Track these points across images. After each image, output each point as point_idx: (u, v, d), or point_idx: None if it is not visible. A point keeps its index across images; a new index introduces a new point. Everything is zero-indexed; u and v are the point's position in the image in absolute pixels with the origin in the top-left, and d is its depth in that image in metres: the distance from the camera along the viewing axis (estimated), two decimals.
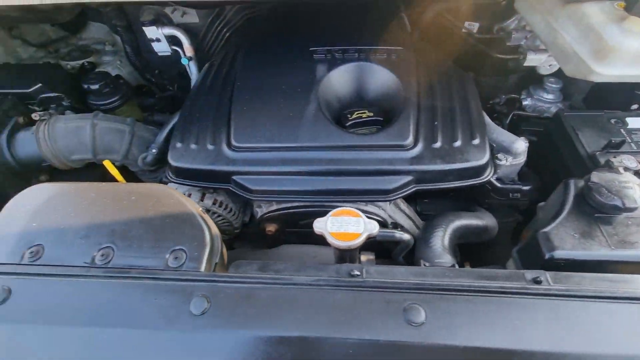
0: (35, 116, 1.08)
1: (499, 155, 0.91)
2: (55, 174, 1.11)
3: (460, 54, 1.08)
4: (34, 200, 0.67)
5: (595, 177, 0.62)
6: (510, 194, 0.90)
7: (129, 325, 0.52)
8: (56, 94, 1.13)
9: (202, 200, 0.88)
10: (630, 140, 0.86)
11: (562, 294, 0.49)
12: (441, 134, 0.76)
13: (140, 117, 1.36)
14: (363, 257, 0.71)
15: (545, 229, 0.61)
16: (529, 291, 0.49)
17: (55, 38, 1.52)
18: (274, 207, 0.81)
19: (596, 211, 0.61)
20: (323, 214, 0.79)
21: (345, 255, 0.62)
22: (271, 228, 0.83)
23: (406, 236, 0.61)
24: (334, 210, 0.59)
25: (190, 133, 0.82)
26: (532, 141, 1.15)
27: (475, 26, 1.08)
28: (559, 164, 0.94)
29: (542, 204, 0.75)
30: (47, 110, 1.12)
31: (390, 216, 0.84)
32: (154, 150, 1.06)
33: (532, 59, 0.94)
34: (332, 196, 0.75)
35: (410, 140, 0.74)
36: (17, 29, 1.37)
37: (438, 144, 0.74)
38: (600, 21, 0.65)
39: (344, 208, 0.59)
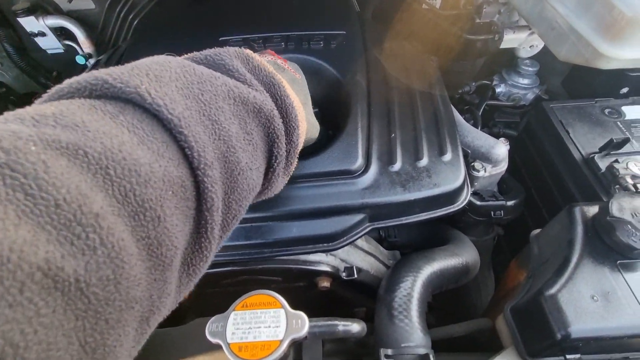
0: None
1: (476, 165, 0.72)
2: None
3: (422, 36, 0.88)
4: None
5: (616, 207, 0.43)
6: (493, 213, 0.72)
7: None
8: None
9: None
10: (630, 137, 0.70)
11: None
12: (401, 150, 0.55)
13: None
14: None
15: (551, 290, 0.42)
16: None
17: None
18: None
19: (619, 256, 0.44)
20: (247, 272, 0.58)
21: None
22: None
23: (355, 327, 0.41)
24: (241, 299, 0.37)
25: None
26: (510, 136, 0.98)
27: (437, 0, 0.88)
28: (547, 168, 0.77)
29: (536, 232, 0.57)
30: None
31: (343, 260, 0.63)
32: None
33: (509, 40, 0.75)
34: (257, 249, 0.53)
35: (359, 163, 0.53)
36: None
37: (397, 166, 0.54)
38: None
39: (258, 292, 0.38)
